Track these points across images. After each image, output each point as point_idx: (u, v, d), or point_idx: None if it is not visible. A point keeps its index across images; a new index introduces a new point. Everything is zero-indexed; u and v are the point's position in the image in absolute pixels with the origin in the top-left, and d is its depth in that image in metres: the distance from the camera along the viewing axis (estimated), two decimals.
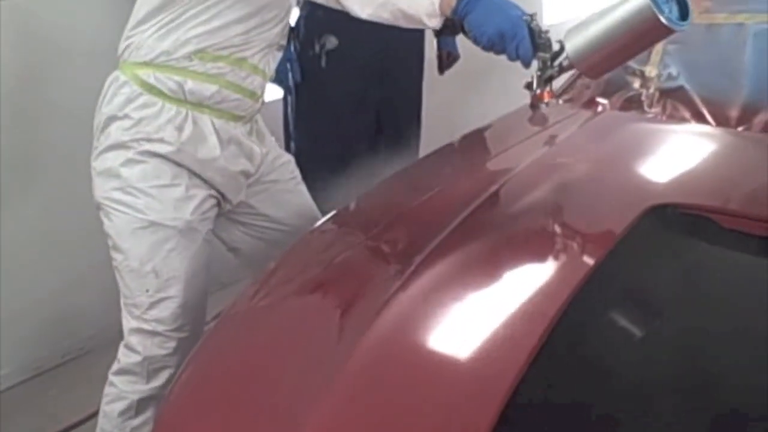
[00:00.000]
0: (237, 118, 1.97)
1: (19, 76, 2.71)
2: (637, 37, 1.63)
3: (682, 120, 2.35)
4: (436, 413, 1.26)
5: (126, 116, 1.88)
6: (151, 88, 1.86)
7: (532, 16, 1.70)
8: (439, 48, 3.28)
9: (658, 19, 1.55)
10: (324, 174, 2.69)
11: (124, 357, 2.00)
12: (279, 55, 2.01)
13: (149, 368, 1.97)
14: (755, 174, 1.91)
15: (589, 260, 1.53)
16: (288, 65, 2.93)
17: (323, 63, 2.91)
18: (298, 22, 2.94)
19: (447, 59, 3.29)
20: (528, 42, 1.67)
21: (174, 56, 1.84)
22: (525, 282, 1.54)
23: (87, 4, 2.85)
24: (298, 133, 3.05)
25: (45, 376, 2.95)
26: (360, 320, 1.45)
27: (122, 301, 1.99)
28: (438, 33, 3.27)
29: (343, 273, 1.69)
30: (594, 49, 1.65)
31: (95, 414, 2.07)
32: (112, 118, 1.89)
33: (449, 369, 1.35)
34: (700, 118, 2.35)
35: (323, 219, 1.97)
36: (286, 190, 2.19)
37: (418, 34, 3.12)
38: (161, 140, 1.87)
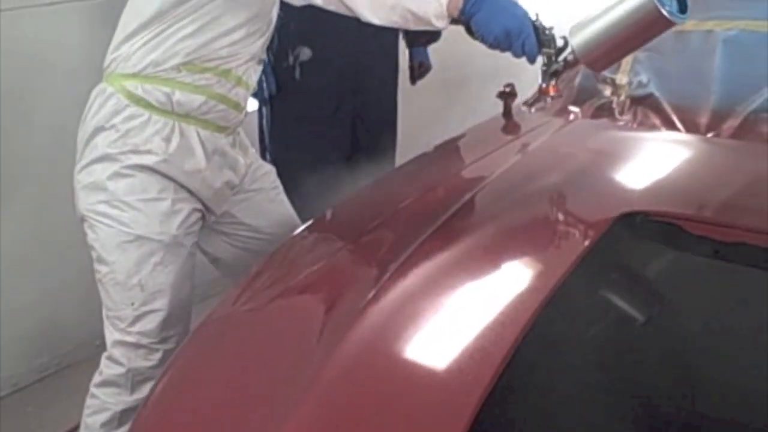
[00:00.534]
0: (221, 129, 1.99)
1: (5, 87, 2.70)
2: (639, 31, 1.70)
3: (653, 127, 2.38)
4: (409, 422, 1.26)
5: (113, 128, 1.88)
6: (138, 100, 1.87)
7: (536, 14, 1.77)
8: (411, 58, 3.30)
9: (661, 13, 1.62)
10: (300, 185, 2.69)
11: (107, 369, 1.99)
12: (260, 68, 2.04)
13: (133, 380, 1.97)
14: (725, 181, 1.93)
15: (560, 269, 1.54)
16: (263, 77, 2.93)
17: (297, 74, 2.91)
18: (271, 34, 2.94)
19: (419, 69, 3.32)
20: (533, 39, 1.74)
21: (162, 67, 1.86)
22: (496, 290, 1.55)
23: (68, 19, 2.84)
24: (274, 144, 3.05)
25: (22, 392, 2.92)
26: (335, 329, 1.46)
27: (105, 313, 1.99)
28: (410, 43, 3.32)
29: (320, 281, 1.70)
30: (598, 43, 1.73)
31: (73, 430, 2.06)
32: (98, 130, 1.90)
33: (422, 378, 1.36)
34: (670, 125, 2.37)
35: (300, 228, 1.97)
36: (268, 200, 2.21)
37: (391, 45, 3.14)
38: (149, 151, 1.88)
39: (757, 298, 1.56)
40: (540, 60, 1.78)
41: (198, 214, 2.01)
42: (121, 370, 1.97)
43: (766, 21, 2.42)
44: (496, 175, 2.02)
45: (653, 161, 2.10)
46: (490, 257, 1.67)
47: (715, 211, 1.81)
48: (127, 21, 1.89)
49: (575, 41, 1.74)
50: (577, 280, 1.52)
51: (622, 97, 2.43)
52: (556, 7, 2.40)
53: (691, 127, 2.33)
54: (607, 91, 2.51)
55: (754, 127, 2.26)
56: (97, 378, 2.02)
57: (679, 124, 2.37)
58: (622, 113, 2.46)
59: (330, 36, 2.84)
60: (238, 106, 2.00)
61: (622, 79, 2.49)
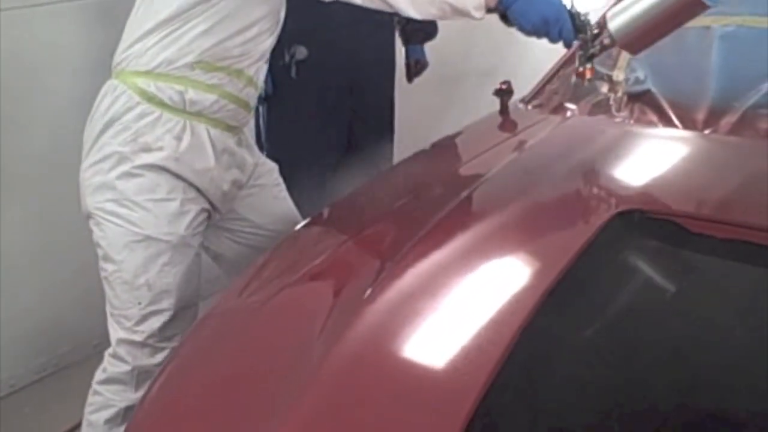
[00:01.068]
0: (230, 129, 2.01)
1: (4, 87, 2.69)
2: (674, 14, 1.81)
3: (650, 124, 2.37)
4: (406, 421, 1.26)
5: (123, 125, 1.89)
6: (150, 98, 1.88)
7: (571, 0, 1.85)
8: (408, 56, 3.30)
9: None
10: (297, 183, 2.69)
11: (112, 367, 2.00)
12: (265, 68, 2.05)
13: (138, 377, 1.98)
14: (723, 177, 1.93)
15: (557, 267, 1.54)
16: None
17: (293, 73, 2.91)
18: None
19: (415, 67, 3.32)
20: (570, 25, 1.83)
21: (175, 65, 1.87)
22: (493, 288, 1.54)
23: (67, 18, 2.84)
24: (270, 143, 3.04)
25: (20, 393, 2.92)
26: (334, 327, 1.46)
27: (109, 310, 1.99)
28: (406, 41, 3.32)
29: (316, 280, 1.70)
30: (635, 26, 1.83)
31: (72, 430, 2.06)
32: (108, 127, 1.90)
33: (418, 377, 1.36)
34: (667, 122, 2.37)
35: (297, 227, 1.98)
36: (271, 196, 2.23)
37: (388, 43, 3.13)
38: (160, 149, 1.89)
39: (755, 295, 1.56)
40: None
41: (205, 214, 2.02)
42: (126, 368, 1.98)
43: (763, 17, 2.42)
44: (493, 173, 2.02)
45: (650, 158, 2.10)
46: (486, 255, 1.67)
47: (713, 207, 1.80)
48: (143, 20, 1.90)
49: (613, 24, 1.84)
50: (575, 278, 1.52)
51: (619, 94, 2.42)
52: None
53: (688, 124, 2.33)
54: (604, 88, 2.49)
55: (751, 123, 2.26)
56: (100, 375, 2.03)
57: (676, 121, 2.36)
58: (619, 110, 2.45)
59: (326, 34, 2.83)
60: (248, 106, 2.03)
61: (618, 75, 2.49)
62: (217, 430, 1.35)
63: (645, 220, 1.73)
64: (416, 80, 3.38)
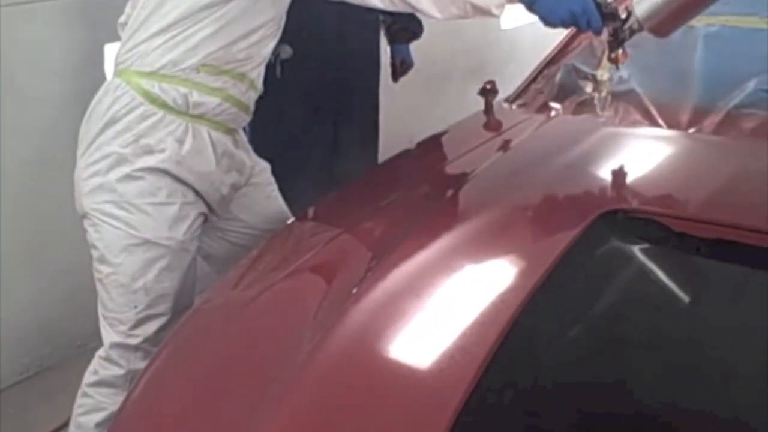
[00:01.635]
0: (229, 131, 2.01)
1: None
2: None
3: (634, 123, 2.38)
4: (391, 422, 1.26)
5: (125, 126, 1.88)
6: (154, 99, 1.87)
7: None
8: (393, 56, 3.29)
9: None
10: (282, 184, 2.69)
11: (104, 370, 1.98)
12: (263, 71, 2.05)
13: (132, 381, 1.95)
14: (707, 177, 1.93)
15: (540, 267, 1.54)
16: None
17: (278, 72, 2.90)
18: None
19: (401, 67, 3.31)
20: (597, 15, 1.85)
21: (180, 67, 1.87)
22: (477, 289, 1.54)
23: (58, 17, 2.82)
24: (255, 143, 3.03)
25: (3, 394, 2.90)
26: (319, 327, 1.46)
27: (102, 313, 1.97)
28: (392, 41, 3.31)
29: (302, 279, 1.70)
30: (661, 9, 1.88)
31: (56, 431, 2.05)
32: (108, 126, 1.89)
33: (403, 378, 1.36)
34: (651, 121, 2.37)
35: (282, 227, 1.98)
36: (264, 196, 2.23)
37: (373, 42, 3.13)
38: (162, 151, 1.88)
39: (739, 295, 1.57)
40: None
41: (202, 218, 2.02)
42: (119, 371, 1.96)
43: (747, 17, 2.43)
44: (477, 172, 2.02)
45: (635, 157, 2.10)
46: (470, 256, 1.67)
47: (697, 207, 1.81)
48: (150, 21, 1.88)
49: (639, 9, 1.88)
50: (559, 278, 1.52)
51: (604, 93, 2.42)
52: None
53: (672, 123, 2.33)
54: (589, 88, 2.51)
55: (735, 123, 2.26)
56: (91, 378, 2.01)
57: (660, 120, 2.37)
58: (603, 109, 2.46)
59: (311, 34, 2.83)
60: (248, 109, 2.04)
61: (603, 75, 2.49)
62: (202, 429, 1.34)
63: (629, 220, 1.73)
64: (401, 80, 3.38)
